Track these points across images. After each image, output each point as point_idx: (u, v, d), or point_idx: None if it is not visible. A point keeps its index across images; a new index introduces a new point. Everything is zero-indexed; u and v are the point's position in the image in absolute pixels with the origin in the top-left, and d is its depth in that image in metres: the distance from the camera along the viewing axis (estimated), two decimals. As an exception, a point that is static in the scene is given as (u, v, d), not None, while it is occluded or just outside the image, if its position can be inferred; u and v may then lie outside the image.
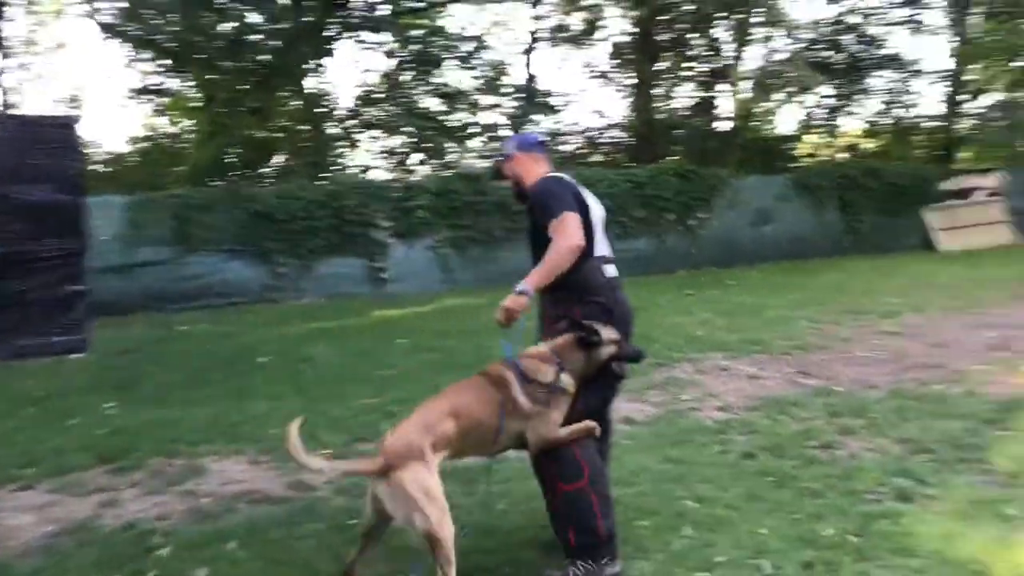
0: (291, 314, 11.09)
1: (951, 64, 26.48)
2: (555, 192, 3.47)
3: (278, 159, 18.27)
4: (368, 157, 18.30)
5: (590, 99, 32.15)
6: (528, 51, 20.16)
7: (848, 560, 3.25)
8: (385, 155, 18.21)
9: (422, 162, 17.72)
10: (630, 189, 13.95)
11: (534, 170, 3.67)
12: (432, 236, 12.44)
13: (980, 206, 18.52)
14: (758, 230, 15.75)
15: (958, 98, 25.60)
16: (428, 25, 19.55)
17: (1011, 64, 23.66)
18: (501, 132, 17.31)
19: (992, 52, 25.67)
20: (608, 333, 3.36)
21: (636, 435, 4.91)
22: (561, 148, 20.69)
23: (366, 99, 17.53)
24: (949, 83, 26.13)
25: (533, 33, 20.50)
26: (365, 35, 16.82)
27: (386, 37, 16.95)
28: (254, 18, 15.92)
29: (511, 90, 18.11)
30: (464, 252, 12.68)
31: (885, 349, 7.43)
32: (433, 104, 19.10)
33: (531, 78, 19.26)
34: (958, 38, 25.19)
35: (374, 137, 17.35)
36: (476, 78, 18.12)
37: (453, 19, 18.92)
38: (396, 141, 17.38)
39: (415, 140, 15.98)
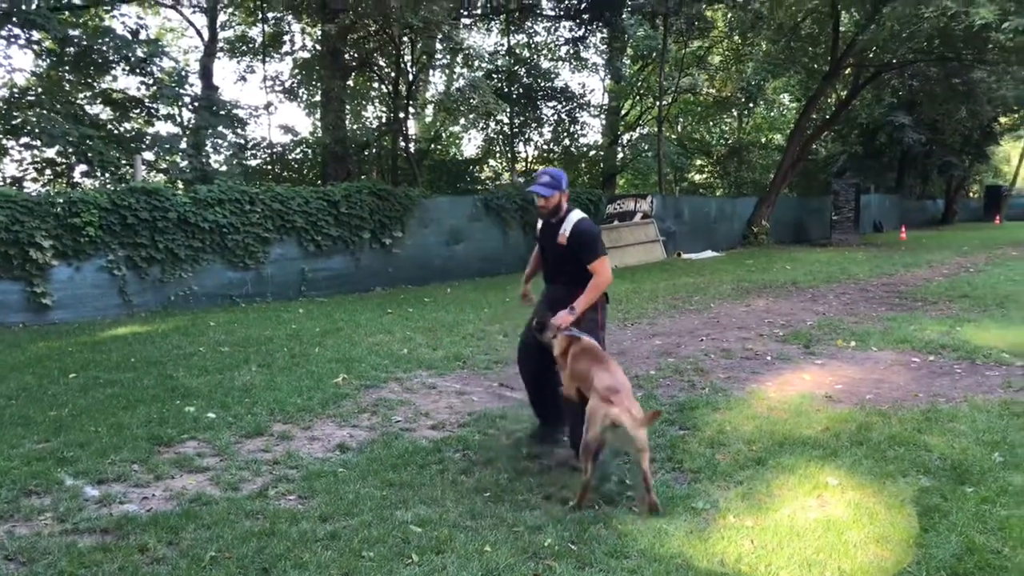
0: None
1: (606, 99, 29.61)
2: (598, 235, 4.91)
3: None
4: (15, 168, 16.00)
5: (278, 114, 31.21)
6: (208, 60, 19.01)
7: (571, 568, 3.36)
8: (40, 165, 16.03)
9: (84, 174, 15.86)
10: (325, 207, 13.66)
11: (565, 204, 4.93)
12: (104, 256, 11.14)
13: (638, 227, 20.83)
14: (450, 249, 16.26)
15: (617, 130, 28.54)
16: (93, 25, 17.65)
17: (655, 102, 26.89)
18: (182, 144, 16.04)
19: (638, 91, 29.11)
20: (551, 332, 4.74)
21: (352, 462, 4.73)
22: (247, 163, 19.79)
23: (16, 103, 15.31)
24: (608, 116, 29.15)
25: (213, 42, 19.39)
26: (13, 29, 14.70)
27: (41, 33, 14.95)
28: None
29: (189, 100, 16.89)
30: (143, 273, 11.52)
31: (575, 359, 7.98)
32: (101, 112, 17.25)
33: (212, 88, 18.15)
34: (612, 77, 28.20)
35: (29, 145, 15.17)
36: (150, 86, 16.65)
37: (126, 20, 17.22)
38: (55, 151, 15.35)
39: (78, 150, 14.21)
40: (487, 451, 4.90)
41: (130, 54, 15.32)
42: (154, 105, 16.61)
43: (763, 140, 37.32)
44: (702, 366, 7.46)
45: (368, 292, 13.98)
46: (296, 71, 22.56)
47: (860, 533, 3.63)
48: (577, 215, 4.87)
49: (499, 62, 25.19)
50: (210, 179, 14.27)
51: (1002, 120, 36.92)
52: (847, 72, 26.97)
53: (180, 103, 16.87)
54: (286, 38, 22.56)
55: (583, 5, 20.66)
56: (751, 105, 34.17)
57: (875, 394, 6.24)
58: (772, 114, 38.08)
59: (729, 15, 24.35)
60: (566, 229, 4.80)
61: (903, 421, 5.34)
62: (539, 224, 5.10)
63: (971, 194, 48.27)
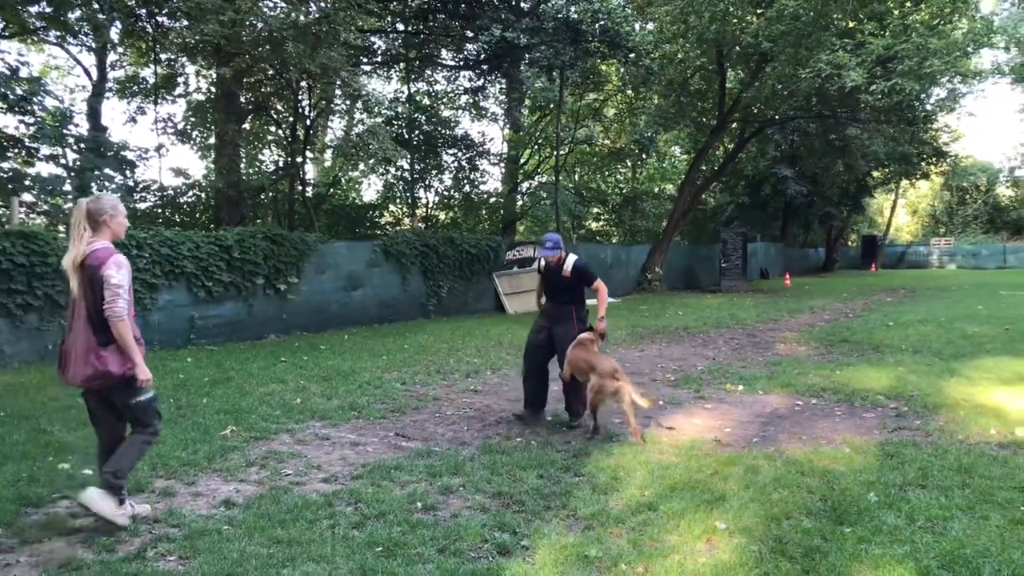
0: None
1: (506, 148, 30.11)
2: (588, 266, 7.25)
3: None
4: None
5: (170, 157, 30.26)
6: (96, 100, 18.34)
7: (463, 622, 3.31)
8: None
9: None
10: (217, 252, 13.26)
11: (563, 254, 7.11)
12: (-29, 304, 10.46)
13: (537, 273, 21.01)
14: (348, 295, 16.03)
15: (516, 178, 28.98)
16: (-33, 59, 16.75)
17: (552, 152, 27.48)
18: (65, 186, 15.33)
19: (536, 140, 29.76)
20: None
21: (237, 519, 4.54)
22: (136, 206, 19.07)
23: None
24: (508, 164, 29.61)
25: (102, 82, 18.74)
26: None
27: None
28: None
29: (74, 140, 16.20)
30: (18, 321, 10.86)
31: (471, 407, 7.96)
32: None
33: (100, 129, 17.50)
34: (511, 127, 28.75)
35: None
36: (30, 125, 15.90)
37: (5, 56, 16.45)
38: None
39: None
40: (380, 504, 4.79)
41: (8, 92, 14.61)
42: (35, 145, 15.85)
43: (656, 190, 38.58)
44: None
45: (261, 339, 13.57)
46: (189, 113, 22.01)
47: (746, 576, 3.71)
48: (572, 257, 7.15)
49: (399, 109, 25.27)
50: (94, 223, 13.65)
51: (875, 174, 39.44)
52: (733, 126, 28.34)
53: (64, 143, 16.16)
54: (180, 80, 22.03)
55: (482, 56, 21.02)
56: (644, 156, 35.36)
57: (761, 437, 6.45)
58: (664, 165, 39.47)
59: (622, 70, 25.25)
60: (567, 268, 7.07)
61: (787, 464, 5.53)
62: (542, 265, 7.30)
63: (849, 243, 51.15)
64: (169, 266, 12.59)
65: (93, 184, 16.15)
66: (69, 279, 4.23)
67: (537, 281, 7.61)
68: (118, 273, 4.17)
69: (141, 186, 19.24)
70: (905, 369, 9.63)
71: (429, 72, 26.20)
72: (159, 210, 19.96)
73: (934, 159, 35.41)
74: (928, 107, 26.90)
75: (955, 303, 19.46)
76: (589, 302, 7.20)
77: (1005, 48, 27.68)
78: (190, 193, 20.80)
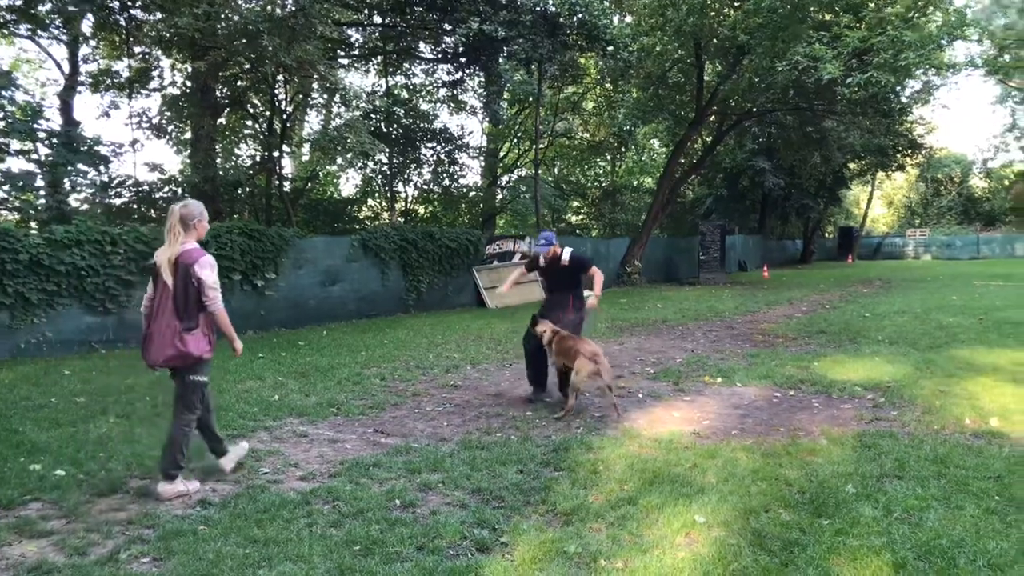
0: None
1: (485, 141, 30.04)
2: (585, 255, 8.30)
3: None
4: None
5: (144, 151, 29.90)
6: (68, 94, 18.07)
7: (441, 621, 3.29)
8: None
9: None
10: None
11: (558, 248, 7.85)
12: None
13: (517, 267, 21.04)
14: (326, 290, 15.92)
15: (496, 171, 28.93)
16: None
17: (532, 146, 27.45)
18: (37, 182, 15.10)
19: (516, 134, 29.71)
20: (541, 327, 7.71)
21: (213, 519, 4.49)
22: (110, 202, 18.84)
23: None
24: (487, 158, 29.56)
25: (74, 75, 18.46)
26: None
27: None
28: None
29: (46, 135, 15.95)
30: (-14, 320, 10.69)
31: (451, 402, 7.93)
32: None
33: (72, 124, 17.24)
34: (490, 120, 28.65)
35: None
36: (0, 119, 15.64)
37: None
38: None
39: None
40: (358, 502, 4.75)
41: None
42: (5, 140, 15.60)
43: (635, 183, 38.69)
44: (577, 405, 7.55)
45: (239, 336, 13.43)
46: (164, 108, 21.73)
47: (725, 571, 3.72)
48: (568, 249, 7.97)
49: (377, 103, 25.10)
50: (68, 219, 13.47)
51: (851, 166, 39.74)
52: (711, 119, 28.43)
53: (35, 138, 15.91)
54: (155, 73, 21.72)
55: (460, 49, 20.92)
56: (623, 149, 35.44)
57: (740, 429, 6.48)
58: (643, 159, 39.59)
59: (601, 63, 25.25)
60: (565, 258, 7.87)
61: (765, 456, 5.56)
62: (541, 262, 7.98)
63: (826, 235, 51.52)
64: (145, 263, 12.45)
65: (66, 180, 15.94)
66: (159, 273, 4.92)
67: (513, 268, 8.08)
68: (212, 274, 5.00)
69: (116, 181, 19.02)
70: (882, 360, 9.71)
71: (407, 66, 26.03)
72: (135, 206, 19.72)
73: (909, 151, 35.72)
74: (903, 100, 27.13)
75: (930, 294, 19.65)
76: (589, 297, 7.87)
77: (978, 40, 27.97)
78: (166, 189, 20.55)
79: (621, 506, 4.59)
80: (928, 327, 12.75)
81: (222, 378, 9.23)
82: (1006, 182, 51.15)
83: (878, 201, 58.90)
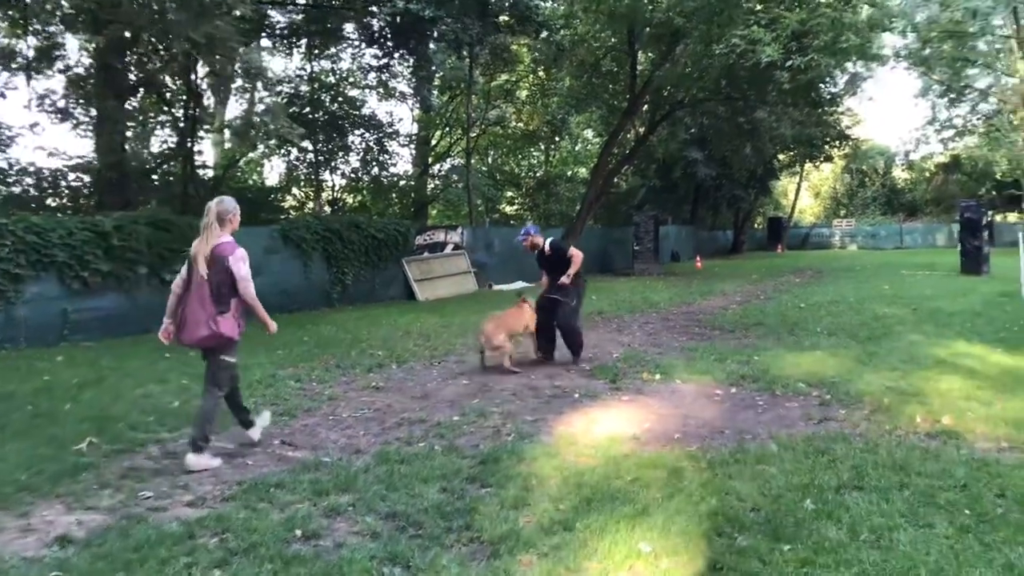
0: None
1: (416, 129, 29.22)
2: (564, 244, 9.86)
3: None
4: None
5: (50, 137, 28.17)
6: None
7: None
8: None
9: None
10: (92, 239, 12.07)
11: (539, 239, 9.46)
12: None
13: (449, 259, 20.41)
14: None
15: (427, 160, 28.16)
16: None
17: (464, 134, 26.78)
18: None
19: (447, 121, 28.99)
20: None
21: (71, 562, 3.74)
22: (10, 189, 17.50)
23: None
24: (418, 146, 28.74)
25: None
26: None
27: None
28: None
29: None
30: None
31: (371, 406, 7.26)
32: None
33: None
34: (420, 107, 27.87)
35: None
36: None
37: None
38: None
39: None
40: (251, 533, 4.05)
41: None
42: None
43: (569, 173, 38.33)
44: (509, 408, 6.98)
45: (146, 334, 12.35)
46: (68, 89, 20.30)
47: (677, 612, 3.18)
48: (549, 239, 9.50)
49: (302, 88, 24.05)
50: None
51: (781, 157, 40.12)
52: (644, 109, 28.15)
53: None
54: (60, 52, 20.27)
55: (387, 31, 20.06)
56: (557, 139, 35.01)
57: (682, 433, 5.99)
58: (577, 148, 39.25)
59: (535, 51, 24.72)
60: (547, 248, 9.35)
61: (713, 465, 5.06)
62: (536, 253, 9.58)
63: (756, 225, 52.09)
64: (36, 255, 11.39)
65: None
66: (195, 262, 5.39)
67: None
68: (244, 267, 5.49)
69: (17, 168, 17.69)
70: (823, 353, 9.40)
71: (333, 49, 25.02)
72: (38, 194, 18.37)
73: (837, 142, 36.13)
74: (833, 90, 27.29)
75: (862, 283, 19.70)
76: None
77: (902, 33, 28.36)
78: (72, 176, 19.22)
79: (556, 531, 4.02)
80: (864, 317, 12.57)
81: (120, 382, 8.46)
82: (927, 174, 52.42)
83: (806, 192, 59.87)
